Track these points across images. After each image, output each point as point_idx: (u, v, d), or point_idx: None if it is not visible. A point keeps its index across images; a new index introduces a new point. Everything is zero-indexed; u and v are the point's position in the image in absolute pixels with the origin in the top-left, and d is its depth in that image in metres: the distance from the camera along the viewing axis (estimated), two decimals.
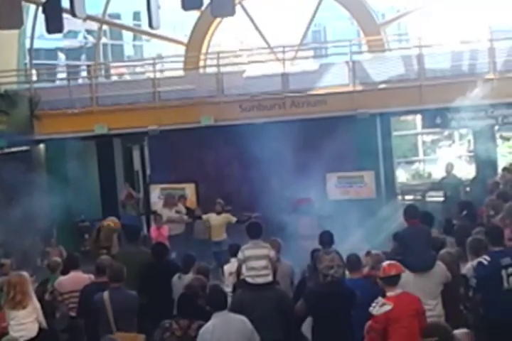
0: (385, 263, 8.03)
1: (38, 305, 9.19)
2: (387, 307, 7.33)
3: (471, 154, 22.54)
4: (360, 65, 18.49)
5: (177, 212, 16.90)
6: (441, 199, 18.09)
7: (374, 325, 7.41)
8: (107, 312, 9.01)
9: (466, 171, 23.00)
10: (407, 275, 8.32)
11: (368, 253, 10.37)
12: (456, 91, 16.76)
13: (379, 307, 7.38)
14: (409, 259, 8.42)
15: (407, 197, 20.66)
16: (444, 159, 24.05)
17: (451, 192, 17.45)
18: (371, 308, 7.53)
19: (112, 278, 9.37)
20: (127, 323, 8.96)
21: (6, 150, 18.17)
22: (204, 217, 16.87)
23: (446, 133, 27.51)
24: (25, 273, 9.31)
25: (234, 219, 16.61)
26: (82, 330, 9.87)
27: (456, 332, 7.40)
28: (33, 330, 8.94)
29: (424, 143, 28.47)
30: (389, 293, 7.62)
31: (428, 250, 8.61)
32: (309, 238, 14.00)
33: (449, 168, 18.22)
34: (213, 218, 16.62)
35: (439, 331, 6.91)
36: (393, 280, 7.69)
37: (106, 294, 9.09)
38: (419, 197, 20.11)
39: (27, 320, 8.94)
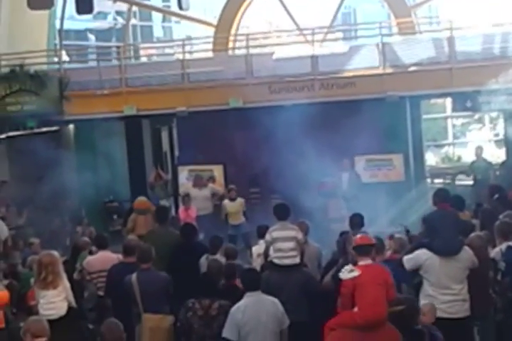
0: (359, 234, 8.24)
1: (67, 284, 9.24)
2: (355, 273, 7.53)
3: (502, 138, 22.34)
4: (390, 47, 18.32)
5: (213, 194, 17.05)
6: (471, 182, 18.00)
7: (342, 289, 7.59)
8: (135, 293, 9.08)
9: (496, 155, 22.86)
10: (432, 259, 8.31)
11: (391, 237, 10.36)
12: (487, 74, 16.63)
13: (347, 273, 7.61)
14: (436, 243, 8.38)
15: (436, 181, 20.54)
16: (474, 143, 23.89)
17: (480, 176, 17.38)
18: (340, 273, 7.78)
19: (141, 259, 9.41)
20: (156, 304, 9.00)
21: (36, 130, 18.30)
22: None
23: (476, 116, 27.32)
24: (55, 253, 9.34)
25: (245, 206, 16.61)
26: (109, 309, 9.94)
27: (421, 304, 7.81)
28: (62, 309, 8.99)
29: (454, 126, 28.25)
30: (360, 263, 7.77)
31: (455, 235, 8.54)
32: (338, 221, 14.02)
33: (479, 151, 18.15)
34: (229, 205, 16.46)
35: (406, 301, 7.39)
36: (364, 249, 7.83)
37: (134, 276, 9.15)
38: (448, 181, 20.00)
39: (57, 298, 8.99)
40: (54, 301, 8.98)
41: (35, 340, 7.22)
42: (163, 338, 8.88)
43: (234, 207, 16.45)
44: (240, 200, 16.55)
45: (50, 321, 7.83)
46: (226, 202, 16.51)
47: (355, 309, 7.38)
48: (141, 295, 9.05)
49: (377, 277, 7.56)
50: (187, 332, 8.36)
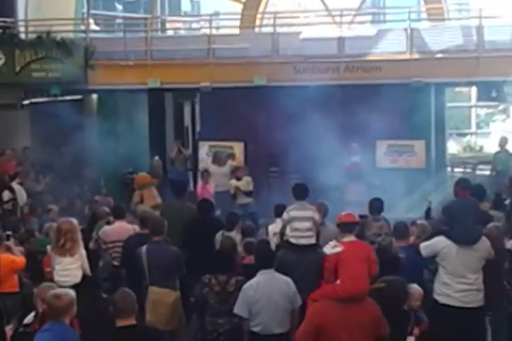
0: (344, 212, 8.40)
1: (84, 252, 9.29)
2: (338, 249, 7.78)
3: None
4: (418, 32, 18.17)
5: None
6: (493, 173, 17.91)
7: (326, 263, 7.83)
8: (143, 266, 9.14)
9: None
10: (450, 247, 8.29)
11: (414, 223, 10.38)
12: None
13: (331, 248, 7.91)
14: (455, 231, 8.35)
15: (456, 170, 20.43)
16: (496, 133, 23.72)
17: (501, 167, 17.31)
18: (324, 249, 8.14)
19: (153, 232, 9.45)
20: (163, 278, 9.06)
21: (59, 98, 18.31)
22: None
23: (501, 107, 27.12)
24: (74, 220, 9.38)
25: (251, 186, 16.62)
26: (124, 280, 10.00)
27: (410, 287, 7.87)
28: (77, 277, 9.05)
29: (477, 116, 28.08)
30: (343, 239, 8.00)
31: (475, 224, 8.50)
32: (354, 204, 13.99)
33: (503, 141, 18.05)
34: (235, 184, 16.45)
35: (393, 281, 7.62)
36: (348, 227, 8.07)
37: (144, 248, 9.20)
38: (468, 170, 19.93)
39: (72, 266, 9.05)
40: (69, 268, 9.04)
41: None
42: (165, 312, 8.91)
43: (242, 185, 16.44)
44: (246, 179, 16.54)
45: (65, 287, 7.90)
46: (233, 181, 16.51)
47: (338, 282, 7.49)
48: (149, 267, 9.10)
49: (360, 253, 7.70)
50: (201, 307, 8.41)
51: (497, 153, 18.10)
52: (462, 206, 8.55)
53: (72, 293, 6.88)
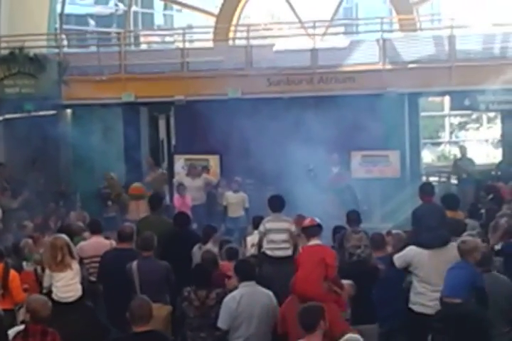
0: (307, 219, 8.68)
1: (78, 266, 9.21)
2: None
3: (499, 138, 22.34)
4: (390, 43, 18.29)
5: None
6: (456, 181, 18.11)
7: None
8: (135, 281, 9.11)
9: (492, 155, 22.88)
10: (421, 254, 8.35)
11: (389, 233, 10.41)
12: (487, 73, 16.57)
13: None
14: (422, 236, 8.41)
15: (432, 179, 20.54)
16: (470, 142, 23.91)
17: (466, 175, 17.53)
18: None
19: (142, 247, 9.43)
20: (155, 293, 8.94)
21: (33, 114, 18.23)
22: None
23: (474, 116, 27.33)
24: (65, 236, 9.29)
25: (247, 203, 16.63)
26: (100, 295, 9.95)
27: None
28: (79, 290, 8.92)
29: (451, 125, 28.28)
30: (308, 243, 8.29)
31: (442, 227, 8.56)
32: (335, 217, 13.99)
33: (463, 150, 18.40)
34: (231, 197, 16.61)
35: None
36: (311, 231, 8.30)
37: (134, 264, 9.19)
38: (443, 179, 20.04)
39: (73, 280, 8.92)
40: (71, 283, 8.90)
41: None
42: (159, 327, 8.83)
43: (235, 198, 16.48)
44: (242, 194, 16.60)
45: (67, 303, 8.17)
46: (229, 193, 16.56)
47: None
48: (141, 283, 9.09)
49: (314, 255, 7.88)
50: (182, 321, 8.41)
51: (457, 160, 18.34)
52: (427, 210, 8.63)
53: None
